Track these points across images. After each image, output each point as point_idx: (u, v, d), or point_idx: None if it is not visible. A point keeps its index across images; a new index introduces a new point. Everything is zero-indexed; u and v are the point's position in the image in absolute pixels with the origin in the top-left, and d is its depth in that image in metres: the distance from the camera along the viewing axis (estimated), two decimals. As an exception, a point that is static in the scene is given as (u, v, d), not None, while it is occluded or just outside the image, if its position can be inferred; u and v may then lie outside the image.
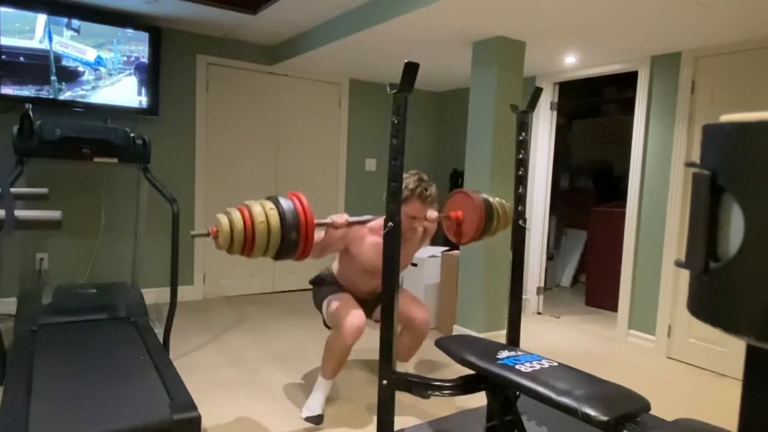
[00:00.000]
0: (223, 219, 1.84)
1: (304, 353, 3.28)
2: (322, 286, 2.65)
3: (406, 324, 2.65)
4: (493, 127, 3.42)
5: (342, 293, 2.54)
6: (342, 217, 2.23)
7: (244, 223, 1.83)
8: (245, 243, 1.84)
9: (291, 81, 4.79)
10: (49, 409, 1.84)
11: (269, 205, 1.89)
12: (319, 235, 2.27)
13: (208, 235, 1.87)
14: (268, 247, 1.87)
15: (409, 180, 2.38)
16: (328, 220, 2.20)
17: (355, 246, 2.47)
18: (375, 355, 3.21)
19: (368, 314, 2.65)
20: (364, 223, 2.43)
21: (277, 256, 1.93)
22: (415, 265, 4.02)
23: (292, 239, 1.88)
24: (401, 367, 2.51)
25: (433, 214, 2.52)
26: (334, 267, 2.69)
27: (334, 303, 2.48)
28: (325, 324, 2.67)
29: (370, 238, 2.47)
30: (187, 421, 1.85)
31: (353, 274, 2.59)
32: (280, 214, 1.87)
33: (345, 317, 2.36)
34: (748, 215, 0.64)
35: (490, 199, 2.52)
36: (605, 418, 1.41)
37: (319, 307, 2.64)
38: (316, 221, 1.97)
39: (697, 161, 0.73)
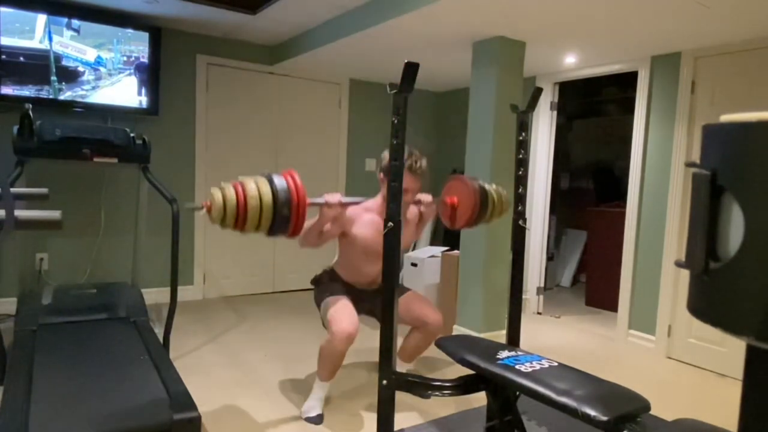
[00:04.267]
0: (217, 194, 1.86)
1: (304, 353, 3.28)
2: (322, 285, 2.65)
3: (418, 325, 2.66)
4: (493, 127, 3.42)
5: (340, 296, 2.52)
6: (335, 196, 2.22)
7: (237, 199, 1.85)
8: (237, 218, 1.86)
9: (291, 81, 4.78)
10: (49, 409, 1.84)
11: (262, 181, 1.92)
12: (314, 219, 2.28)
13: (201, 208, 1.89)
14: (261, 222, 1.89)
15: None
16: (321, 199, 2.20)
17: (352, 226, 2.45)
18: (375, 355, 3.21)
19: (375, 313, 2.65)
20: (357, 203, 2.43)
21: (270, 232, 1.94)
22: (415, 265, 4.03)
23: (284, 215, 1.90)
24: (401, 367, 2.51)
25: (428, 197, 2.52)
26: (336, 262, 2.69)
27: (331, 306, 2.47)
28: (324, 324, 2.67)
29: (367, 216, 2.47)
30: (187, 421, 1.85)
31: (354, 258, 2.56)
32: (272, 191, 1.90)
33: (338, 323, 2.35)
34: (748, 215, 0.64)
35: (486, 187, 2.51)
36: (605, 418, 1.41)
37: (318, 307, 2.64)
38: (309, 200, 1.99)
39: (697, 161, 0.73)
